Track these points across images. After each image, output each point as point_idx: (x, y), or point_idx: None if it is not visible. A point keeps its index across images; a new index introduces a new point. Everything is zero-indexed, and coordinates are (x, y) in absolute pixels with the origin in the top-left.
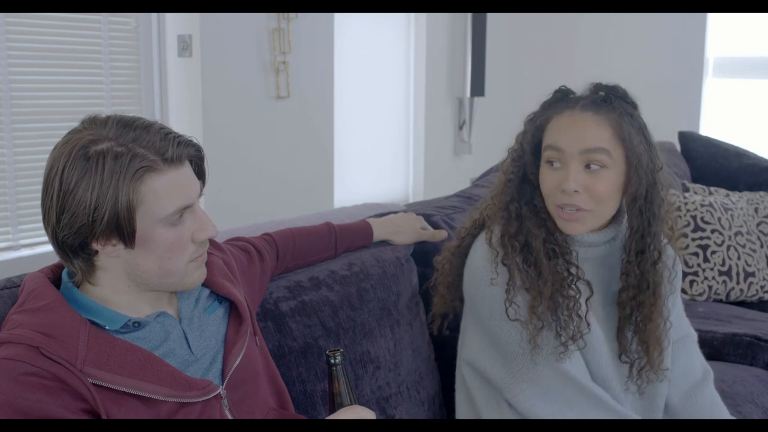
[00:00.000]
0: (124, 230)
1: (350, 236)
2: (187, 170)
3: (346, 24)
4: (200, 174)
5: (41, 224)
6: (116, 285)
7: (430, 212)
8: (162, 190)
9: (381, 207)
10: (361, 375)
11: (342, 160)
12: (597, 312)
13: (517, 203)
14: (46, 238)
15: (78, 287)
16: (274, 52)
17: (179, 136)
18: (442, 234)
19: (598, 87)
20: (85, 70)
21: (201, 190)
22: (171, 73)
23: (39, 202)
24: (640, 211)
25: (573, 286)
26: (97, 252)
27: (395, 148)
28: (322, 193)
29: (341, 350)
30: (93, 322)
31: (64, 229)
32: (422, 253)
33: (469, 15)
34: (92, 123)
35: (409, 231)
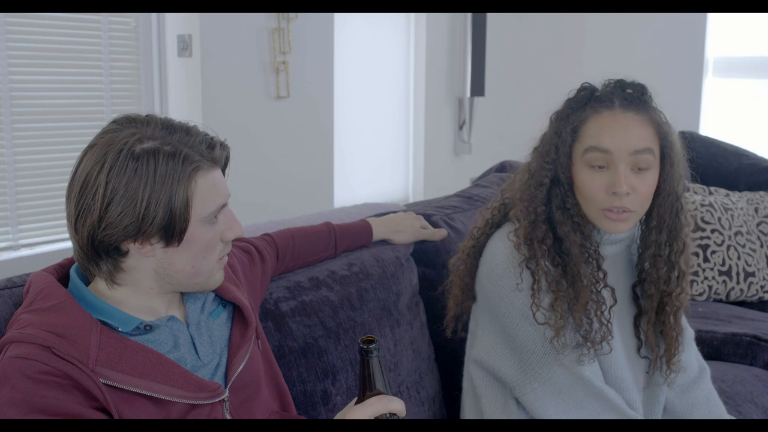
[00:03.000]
0: (175, 228)
1: (350, 236)
2: (220, 173)
3: (346, 24)
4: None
5: (41, 224)
6: (138, 286)
7: (429, 212)
8: (207, 190)
9: (381, 207)
10: None
11: (342, 160)
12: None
13: (546, 206)
14: (45, 238)
15: (87, 286)
16: (274, 52)
17: (217, 137)
18: (442, 233)
19: (623, 84)
20: (85, 70)
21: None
22: (171, 73)
23: (39, 203)
24: (672, 205)
25: (601, 292)
26: (127, 252)
27: (395, 148)
28: (322, 192)
29: (377, 338)
30: (104, 323)
31: (107, 228)
32: (422, 253)
33: (469, 15)
34: (131, 122)
35: (408, 230)
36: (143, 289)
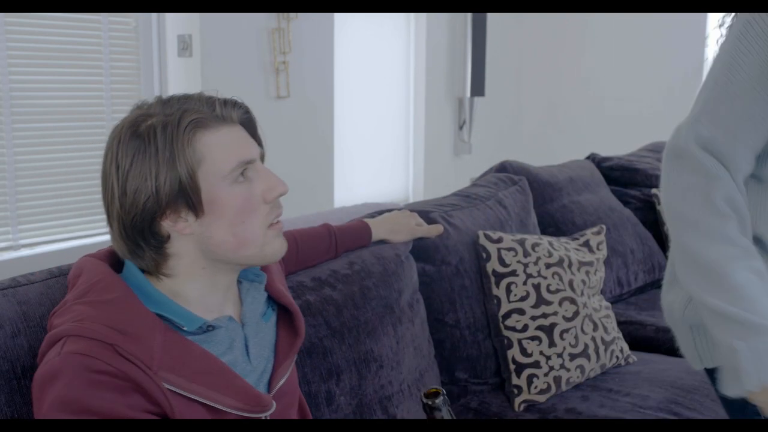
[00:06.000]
0: (189, 193)
1: (349, 238)
2: (240, 131)
3: (346, 24)
4: (256, 139)
5: (41, 224)
6: (191, 270)
7: (428, 209)
8: (218, 146)
9: (381, 207)
10: (364, 374)
11: (342, 160)
12: None
13: None
14: (45, 238)
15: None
16: (274, 52)
17: (224, 97)
18: (438, 229)
19: None
20: (85, 70)
21: (263, 154)
22: (171, 73)
23: (39, 203)
24: None
25: None
26: (168, 237)
27: (395, 148)
28: (322, 193)
29: (443, 391)
30: (165, 320)
31: (131, 210)
32: (421, 249)
33: (469, 15)
34: (138, 107)
35: (404, 229)
36: (196, 273)
